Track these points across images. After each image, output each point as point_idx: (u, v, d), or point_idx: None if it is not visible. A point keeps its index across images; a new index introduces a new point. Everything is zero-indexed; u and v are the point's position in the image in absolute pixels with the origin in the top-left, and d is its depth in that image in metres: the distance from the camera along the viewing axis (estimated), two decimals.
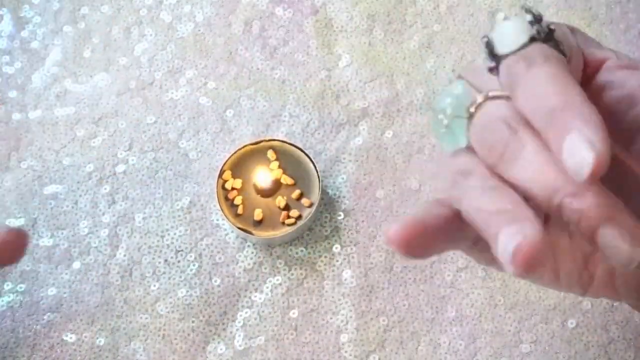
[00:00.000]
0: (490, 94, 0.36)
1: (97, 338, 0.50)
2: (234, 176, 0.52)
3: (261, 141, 0.52)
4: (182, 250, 0.52)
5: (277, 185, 0.51)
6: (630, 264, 0.33)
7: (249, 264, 0.51)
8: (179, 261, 0.51)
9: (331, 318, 0.50)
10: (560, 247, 0.41)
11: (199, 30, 0.56)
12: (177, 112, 0.54)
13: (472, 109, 0.36)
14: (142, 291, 0.51)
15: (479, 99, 0.36)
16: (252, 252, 0.51)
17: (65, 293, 0.51)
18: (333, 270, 0.51)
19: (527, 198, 0.34)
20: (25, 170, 0.53)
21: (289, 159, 0.52)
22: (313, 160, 0.52)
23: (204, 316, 0.50)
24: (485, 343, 0.50)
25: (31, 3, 0.57)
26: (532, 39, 0.36)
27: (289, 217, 0.51)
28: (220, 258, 0.51)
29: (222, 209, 0.51)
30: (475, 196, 0.35)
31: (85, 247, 0.52)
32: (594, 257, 0.41)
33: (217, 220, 0.52)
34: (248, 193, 0.51)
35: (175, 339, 0.50)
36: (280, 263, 0.51)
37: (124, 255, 0.51)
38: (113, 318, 0.50)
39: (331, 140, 0.54)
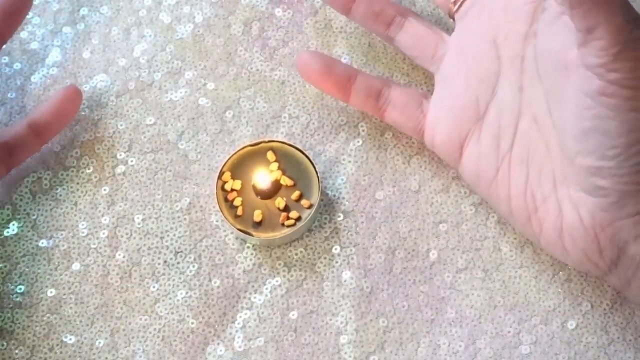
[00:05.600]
0: None
1: (97, 339, 0.50)
2: (234, 177, 0.52)
3: (261, 142, 0.52)
4: (181, 252, 0.52)
5: (276, 187, 0.51)
6: None
7: (248, 265, 0.51)
8: (178, 262, 0.51)
9: (331, 319, 0.50)
10: (515, 182, 0.47)
11: (198, 31, 0.56)
12: (176, 113, 0.54)
13: None
14: (142, 292, 0.51)
15: None
16: (252, 254, 0.51)
17: (64, 294, 0.51)
18: (332, 272, 0.51)
19: None
20: (25, 171, 0.53)
21: (289, 160, 0.52)
22: (313, 161, 0.52)
23: (203, 317, 0.50)
24: (485, 344, 0.50)
25: None
26: None
27: (288, 218, 0.51)
28: (219, 259, 0.51)
29: (221, 210, 0.51)
30: None
31: (84, 249, 0.52)
32: (544, 207, 0.46)
33: (217, 221, 0.52)
34: (247, 194, 0.51)
35: (175, 340, 0.50)
36: (279, 264, 0.51)
37: (124, 257, 0.51)
38: (112, 319, 0.50)
39: (331, 141, 0.54)
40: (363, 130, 0.54)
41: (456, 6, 0.51)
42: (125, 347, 0.50)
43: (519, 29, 0.47)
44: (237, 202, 0.51)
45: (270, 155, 0.52)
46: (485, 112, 0.48)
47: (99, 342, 0.50)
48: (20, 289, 0.51)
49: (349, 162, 0.53)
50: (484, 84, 0.48)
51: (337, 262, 0.51)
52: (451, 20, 0.52)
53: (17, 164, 0.52)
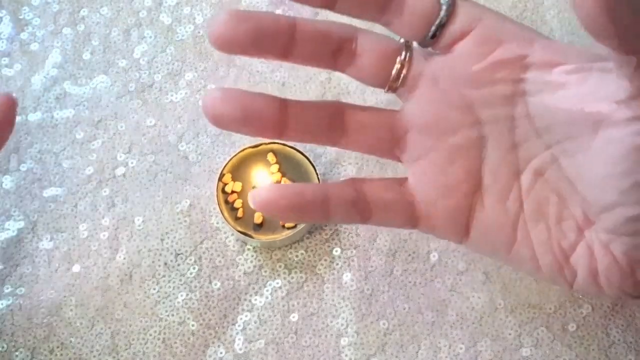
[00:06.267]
0: None
1: (97, 342, 0.50)
2: (234, 179, 0.52)
3: (261, 144, 0.52)
4: (181, 254, 0.51)
5: None
6: None
7: (249, 267, 0.51)
8: (178, 264, 0.51)
9: (331, 321, 0.50)
10: (537, 240, 0.44)
11: (199, 33, 0.56)
12: (176, 115, 0.54)
13: None
14: (142, 294, 0.51)
15: None
16: (252, 256, 0.51)
17: (65, 296, 0.51)
18: (333, 274, 0.51)
19: None
20: (25, 172, 0.53)
21: (289, 162, 0.52)
22: (313, 163, 0.52)
23: (203, 319, 0.50)
24: (486, 347, 0.50)
25: (31, 5, 0.57)
26: None
27: None
28: (220, 261, 0.51)
29: (222, 212, 0.51)
30: None
31: (84, 250, 0.52)
32: (575, 254, 0.44)
33: (217, 223, 0.52)
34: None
35: (175, 342, 0.50)
36: (280, 266, 0.51)
37: (124, 259, 0.51)
38: (113, 321, 0.50)
39: None
40: None
41: (399, 81, 0.44)
42: (126, 349, 0.50)
43: (500, 91, 0.43)
44: (238, 204, 0.51)
45: (270, 157, 0.52)
46: (480, 180, 0.45)
47: (100, 345, 0.50)
48: (21, 290, 0.51)
49: (349, 164, 0.53)
50: (470, 153, 0.44)
51: (337, 264, 0.51)
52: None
53: None
